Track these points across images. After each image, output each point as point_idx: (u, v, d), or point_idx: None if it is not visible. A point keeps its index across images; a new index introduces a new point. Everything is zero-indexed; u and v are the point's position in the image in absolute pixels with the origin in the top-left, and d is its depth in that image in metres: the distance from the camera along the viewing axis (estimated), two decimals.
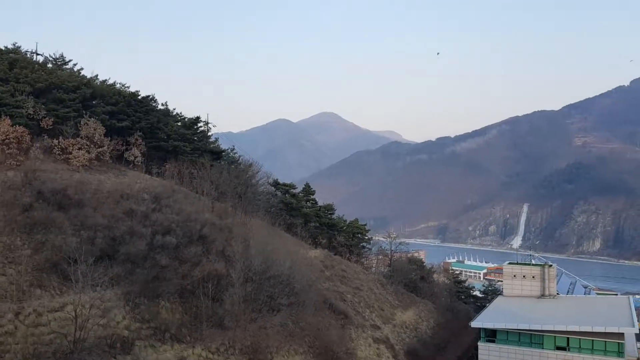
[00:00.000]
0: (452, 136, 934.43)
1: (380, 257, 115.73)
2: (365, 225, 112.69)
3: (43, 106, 73.03)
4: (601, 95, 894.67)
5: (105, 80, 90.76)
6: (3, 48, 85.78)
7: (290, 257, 65.68)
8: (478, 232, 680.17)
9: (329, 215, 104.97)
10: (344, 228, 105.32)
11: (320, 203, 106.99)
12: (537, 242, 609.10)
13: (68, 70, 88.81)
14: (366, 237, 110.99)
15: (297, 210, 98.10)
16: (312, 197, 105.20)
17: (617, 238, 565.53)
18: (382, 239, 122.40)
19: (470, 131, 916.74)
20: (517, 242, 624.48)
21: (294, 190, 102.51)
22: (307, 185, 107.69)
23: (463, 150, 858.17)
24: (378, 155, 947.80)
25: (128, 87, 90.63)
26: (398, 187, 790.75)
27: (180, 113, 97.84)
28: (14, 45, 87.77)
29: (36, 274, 48.28)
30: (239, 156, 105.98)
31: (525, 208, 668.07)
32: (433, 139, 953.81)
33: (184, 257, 57.50)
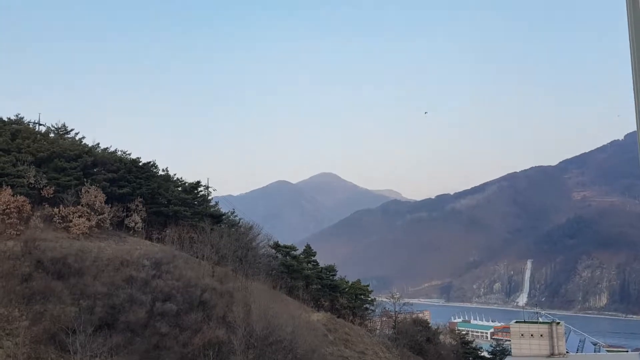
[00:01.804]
0: (452, 193, 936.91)
1: (384, 318, 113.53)
2: (368, 286, 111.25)
3: (44, 175, 73.74)
4: (597, 149, 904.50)
5: (107, 147, 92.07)
6: (6, 119, 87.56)
7: (293, 322, 64.45)
8: (483, 290, 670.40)
9: (331, 277, 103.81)
10: (347, 290, 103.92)
11: (321, 264, 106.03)
12: (543, 299, 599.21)
13: (70, 139, 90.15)
14: (369, 299, 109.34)
15: (299, 273, 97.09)
16: (313, 258, 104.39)
17: (623, 292, 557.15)
18: (385, 299, 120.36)
19: (469, 188, 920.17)
20: (522, 299, 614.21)
21: (294, 252, 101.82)
22: (308, 247, 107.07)
23: (463, 207, 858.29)
24: (378, 214, 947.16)
25: (129, 154, 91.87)
26: (399, 245, 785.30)
27: (181, 178, 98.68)
28: (16, 116, 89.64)
29: (34, 346, 47.25)
30: (239, 219, 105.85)
31: (529, 264, 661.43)
32: (433, 197, 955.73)
33: (185, 324, 56.49)
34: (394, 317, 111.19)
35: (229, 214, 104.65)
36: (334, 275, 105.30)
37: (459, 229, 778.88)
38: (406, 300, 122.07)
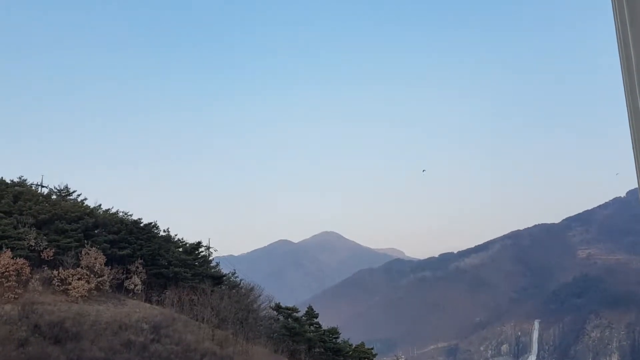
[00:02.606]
0: (455, 252, 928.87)
1: None
2: (372, 349, 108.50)
3: (45, 237, 73.61)
4: (599, 206, 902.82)
5: (109, 209, 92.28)
6: (9, 181, 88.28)
7: None
8: (490, 352, 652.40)
9: (334, 340, 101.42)
10: (350, 353, 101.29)
11: (324, 326, 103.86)
12: None
13: (72, 201, 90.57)
14: None
15: (301, 335, 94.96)
16: (315, 320, 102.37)
17: (634, 353, 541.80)
18: None
19: (473, 246, 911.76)
20: None
21: (296, 314, 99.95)
22: (310, 308, 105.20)
23: (467, 265, 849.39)
24: (381, 273, 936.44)
25: (131, 215, 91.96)
26: (403, 306, 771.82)
27: (182, 239, 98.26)
28: (19, 178, 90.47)
29: None
30: (240, 280, 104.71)
31: (536, 325, 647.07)
32: (436, 255, 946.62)
33: None
34: None
35: (230, 274, 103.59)
36: (337, 337, 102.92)
37: (464, 289, 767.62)
38: None
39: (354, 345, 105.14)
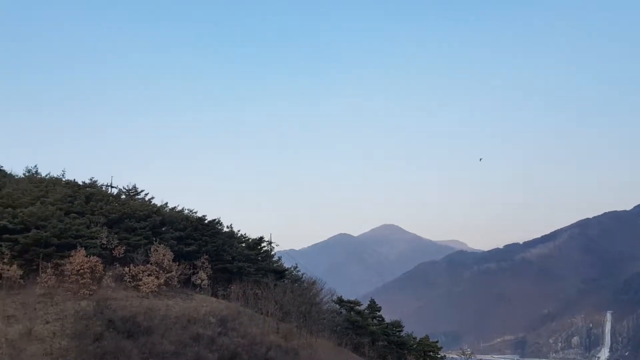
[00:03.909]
0: (521, 242, 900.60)
1: None
2: (437, 342, 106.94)
3: (116, 235, 76.68)
4: None
5: (174, 207, 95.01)
6: (81, 183, 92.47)
7: None
8: (560, 344, 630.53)
9: (398, 333, 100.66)
10: (415, 346, 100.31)
11: (386, 319, 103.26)
12: (627, 353, 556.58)
13: (140, 200, 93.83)
14: (439, 356, 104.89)
15: (364, 329, 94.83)
16: (378, 313, 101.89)
17: None
18: (456, 356, 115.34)
19: (539, 236, 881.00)
20: (604, 354, 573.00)
21: (359, 307, 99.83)
22: (372, 302, 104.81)
23: (533, 256, 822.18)
24: (443, 266, 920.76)
25: (195, 212, 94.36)
26: (467, 298, 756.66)
27: (245, 234, 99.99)
28: (90, 180, 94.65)
29: None
30: (302, 274, 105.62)
31: (608, 316, 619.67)
32: (500, 246, 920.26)
33: None
34: None
35: (292, 269, 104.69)
36: (401, 331, 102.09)
37: (530, 280, 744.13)
38: (478, 356, 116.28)
39: (418, 339, 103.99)
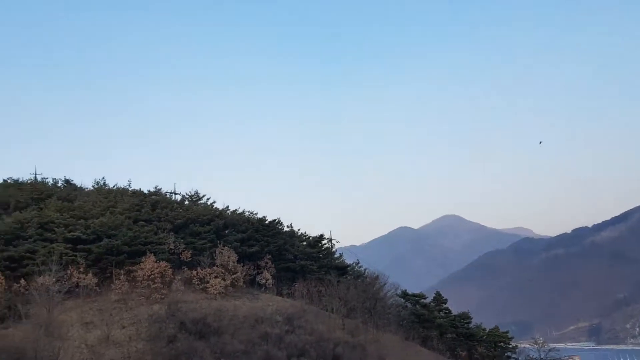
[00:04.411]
0: (590, 225, 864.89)
1: None
2: (507, 332, 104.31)
3: (182, 240, 79.26)
4: None
5: (235, 209, 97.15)
6: (147, 192, 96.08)
7: None
8: (638, 329, 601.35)
9: (466, 325, 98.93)
10: (484, 337, 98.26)
11: (453, 311, 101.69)
12: None
13: (202, 205, 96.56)
14: (510, 346, 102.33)
15: (431, 322, 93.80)
16: (444, 306, 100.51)
17: None
18: (528, 346, 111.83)
19: (609, 218, 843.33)
20: None
21: (424, 300, 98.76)
22: (438, 294, 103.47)
23: (604, 239, 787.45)
24: (509, 254, 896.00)
25: (256, 213, 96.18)
26: (536, 287, 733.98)
27: (305, 233, 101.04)
28: (155, 188, 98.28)
29: None
30: (364, 269, 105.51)
31: None
32: (568, 231, 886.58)
33: None
34: None
35: (354, 264, 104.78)
36: (469, 322, 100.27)
37: (602, 264, 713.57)
38: (552, 345, 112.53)
39: (487, 330, 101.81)
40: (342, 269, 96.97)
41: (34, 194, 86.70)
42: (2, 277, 62.25)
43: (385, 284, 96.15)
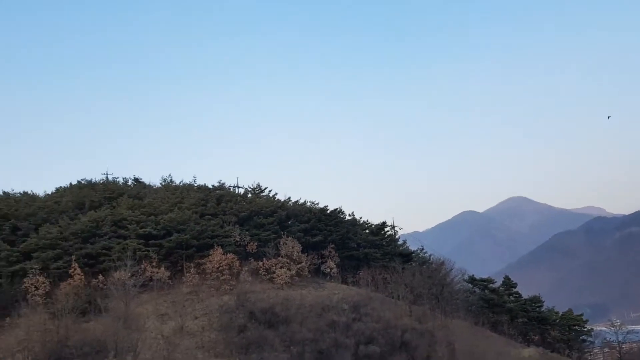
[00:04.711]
0: None
1: (606, 350, 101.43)
2: (581, 315, 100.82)
3: (247, 232, 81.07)
4: None
5: (297, 200, 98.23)
6: (211, 187, 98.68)
7: (502, 359, 60.82)
8: None
9: (537, 309, 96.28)
10: (557, 321, 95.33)
11: (523, 295, 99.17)
12: None
13: (265, 197, 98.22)
14: (585, 329, 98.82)
15: (500, 307, 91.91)
16: (514, 290, 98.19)
17: None
18: (604, 328, 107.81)
19: None
20: None
21: (492, 285, 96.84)
22: (507, 278, 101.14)
23: None
24: (581, 235, 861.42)
25: (317, 204, 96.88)
26: (610, 267, 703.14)
27: (367, 221, 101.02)
28: (219, 182, 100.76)
29: None
30: (429, 255, 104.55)
31: None
32: None
33: None
34: (617, 348, 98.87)
35: (418, 251, 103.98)
36: (541, 306, 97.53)
37: None
38: (629, 327, 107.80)
39: (560, 313, 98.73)
40: (407, 256, 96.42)
41: (107, 194, 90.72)
42: (82, 274, 65.78)
43: (451, 269, 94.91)
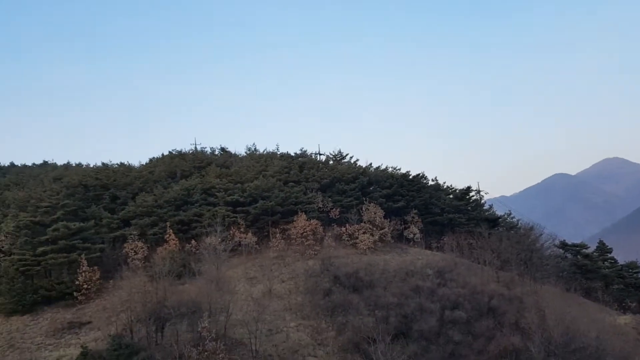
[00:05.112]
0: None
1: None
2: None
3: (329, 199, 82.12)
4: None
5: (379, 166, 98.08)
6: (293, 154, 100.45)
7: (596, 326, 58.37)
8: None
9: (635, 275, 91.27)
10: None
11: (620, 261, 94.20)
12: None
13: (346, 164, 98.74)
14: None
15: (594, 272, 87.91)
16: (609, 255, 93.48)
17: None
18: None
19: None
20: None
21: (585, 251, 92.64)
22: (602, 243, 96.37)
23: None
24: None
25: (399, 169, 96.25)
26: None
27: (451, 185, 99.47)
28: (301, 150, 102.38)
29: (342, 355, 52.32)
30: (517, 220, 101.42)
31: None
32: None
33: (476, 331, 55.97)
34: None
35: (505, 216, 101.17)
36: (638, 272, 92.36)
37: None
38: None
39: None
40: (493, 221, 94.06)
41: (196, 163, 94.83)
42: (176, 239, 69.59)
43: (541, 234, 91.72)
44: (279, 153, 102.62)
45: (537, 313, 56.99)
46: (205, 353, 46.10)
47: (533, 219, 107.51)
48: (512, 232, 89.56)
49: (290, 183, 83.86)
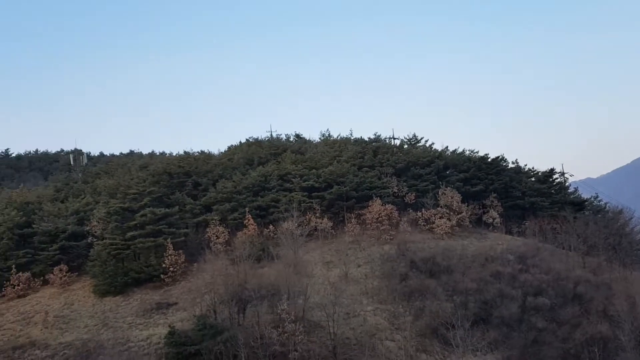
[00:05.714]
0: None
1: None
2: None
3: (404, 183, 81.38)
4: None
5: (455, 149, 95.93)
6: (367, 139, 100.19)
7: None
8: None
9: None
10: None
11: None
12: None
13: (421, 147, 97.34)
14: None
15: None
16: None
17: None
18: None
19: None
20: None
21: None
22: None
23: None
24: None
25: (477, 152, 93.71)
26: None
27: (532, 168, 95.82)
28: (375, 135, 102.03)
29: (419, 339, 52.14)
30: (605, 203, 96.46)
31: None
32: None
33: (561, 318, 54.11)
34: None
35: (592, 199, 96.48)
36: None
37: None
38: None
39: None
40: (579, 205, 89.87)
41: (272, 150, 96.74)
42: (255, 224, 71.55)
43: (631, 218, 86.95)
44: (352, 138, 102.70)
45: (627, 300, 54.23)
46: (285, 334, 47.45)
47: (622, 202, 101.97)
48: (599, 216, 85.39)
49: (365, 168, 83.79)
